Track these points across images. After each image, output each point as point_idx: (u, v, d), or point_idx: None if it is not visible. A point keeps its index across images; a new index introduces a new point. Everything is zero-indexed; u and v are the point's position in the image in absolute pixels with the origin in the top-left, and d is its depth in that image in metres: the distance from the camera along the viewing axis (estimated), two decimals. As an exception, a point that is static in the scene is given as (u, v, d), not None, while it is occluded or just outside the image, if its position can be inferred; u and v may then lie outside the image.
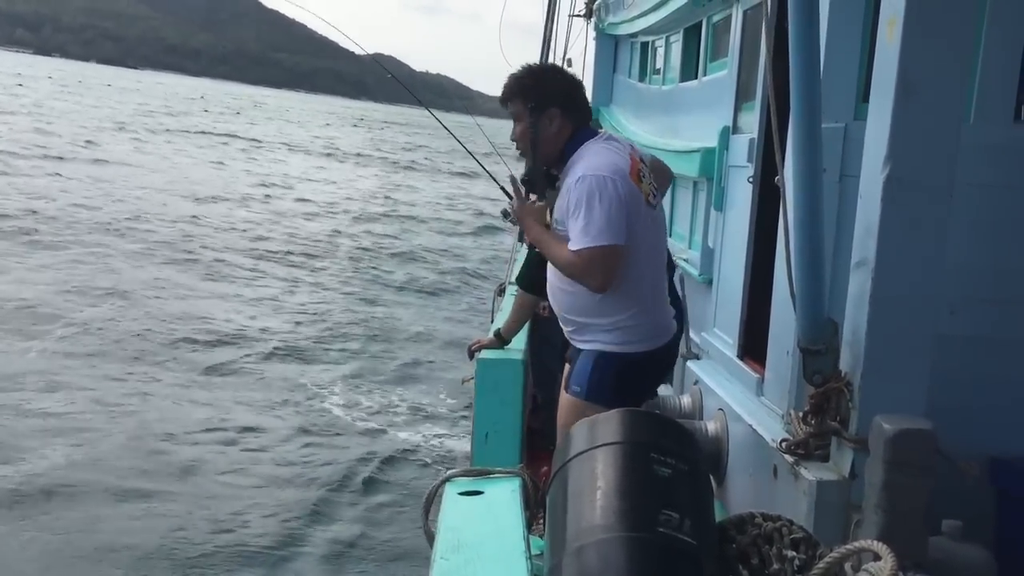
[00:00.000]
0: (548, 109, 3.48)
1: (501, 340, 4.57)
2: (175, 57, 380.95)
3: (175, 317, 13.01)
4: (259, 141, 48.66)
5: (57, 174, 25.32)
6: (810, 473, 2.90)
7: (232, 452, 8.42)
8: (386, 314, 15.72)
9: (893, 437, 2.55)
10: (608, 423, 2.12)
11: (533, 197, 3.64)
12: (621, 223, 3.26)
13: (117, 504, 7.03)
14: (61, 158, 28.65)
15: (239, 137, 49.52)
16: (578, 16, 10.65)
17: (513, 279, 5.60)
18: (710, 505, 2.13)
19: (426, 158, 51.90)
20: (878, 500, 2.60)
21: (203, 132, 49.26)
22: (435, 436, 9.58)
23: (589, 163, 3.35)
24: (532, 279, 4.45)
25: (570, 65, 9.89)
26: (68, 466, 7.62)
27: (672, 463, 1.96)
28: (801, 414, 3.09)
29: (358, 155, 49.47)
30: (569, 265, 3.32)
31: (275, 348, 12.53)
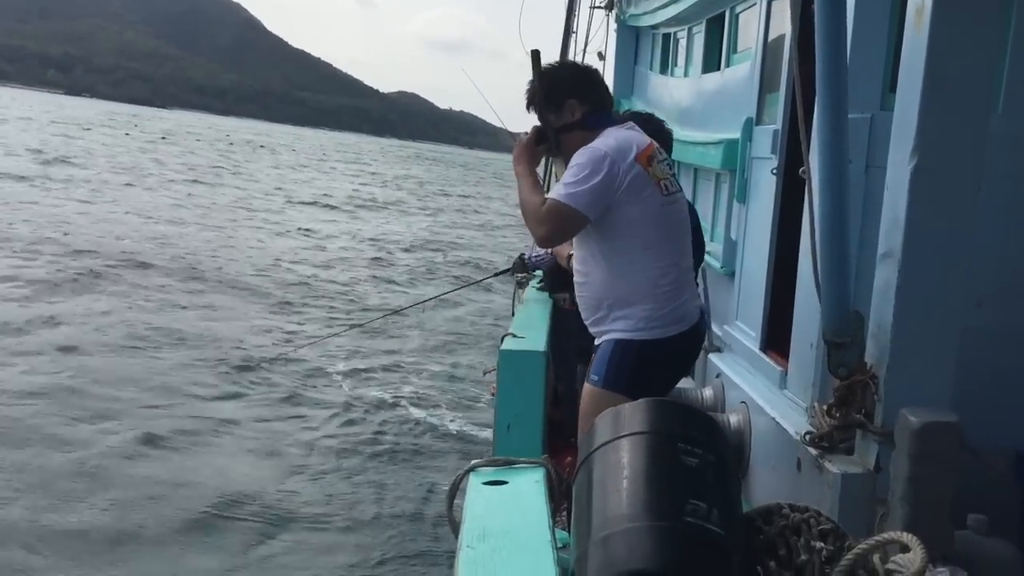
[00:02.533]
0: (566, 102, 3.56)
1: None
2: (202, 96, 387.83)
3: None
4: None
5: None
6: (835, 466, 2.89)
7: (246, 441, 8.47)
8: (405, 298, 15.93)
9: (919, 430, 2.54)
10: (634, 412, 2.10)
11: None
12: (598, 200, 3.33)
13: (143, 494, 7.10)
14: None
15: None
16: (599, 8, 10.59)
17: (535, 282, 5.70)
18: (737, 495, 2.12)
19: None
20: (903, 493, 2.59)
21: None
22: (455, 424, 9.61)
23: (599, 141, 3.43)
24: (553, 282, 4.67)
25: (601, 59, 9.84)
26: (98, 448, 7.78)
27: (699, 453, 1.95)
28: (825, 407, 3.07)
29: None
30: (532, 207, 3.44)
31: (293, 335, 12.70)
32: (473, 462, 2.33)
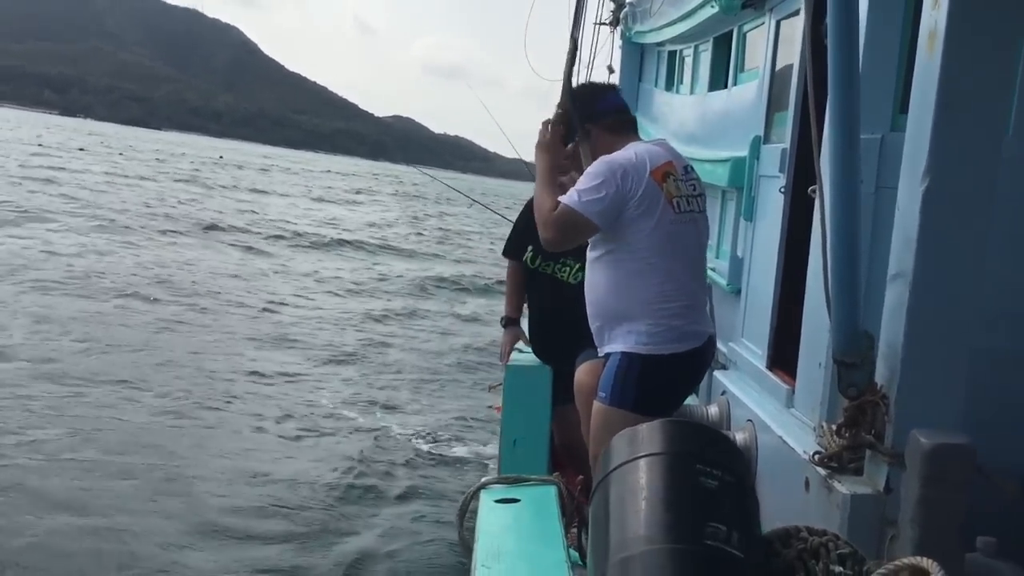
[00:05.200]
0: (586, 129, 3.72)
1: (514, 323, 4.93)
2: (197, 118, 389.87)
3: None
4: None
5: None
6: (844, 487, 2.87)
7: (245, 461, 8.36)
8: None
9: (930, 452, 2.53)
10: (652, 433, 2.09)
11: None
12: (608, 209, 3.39)
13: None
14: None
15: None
16: (603, 24, 10.58)
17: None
18: (756, 518, 2.11)
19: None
20: (914, 515, 2.57)
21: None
22: (460, 440, 9.55)
23: (619, 153, 3.52)
24: (517, 245, 4.85)
25: (611, 72, 9.84)
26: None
27: (718, 475, 1.94)
28: (835, 427, 3.06)
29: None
30: (544, 209, 3.50)
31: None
32: (483, 479, 2.33)
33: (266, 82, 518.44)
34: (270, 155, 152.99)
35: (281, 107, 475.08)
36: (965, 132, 2.68)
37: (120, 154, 69.17)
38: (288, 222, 32.47)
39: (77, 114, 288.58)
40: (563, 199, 3.44)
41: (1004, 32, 2.70)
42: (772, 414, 3.93)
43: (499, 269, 24.39)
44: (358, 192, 60.27)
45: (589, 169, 3.49)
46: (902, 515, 2.64)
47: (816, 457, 3.08)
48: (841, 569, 1.98)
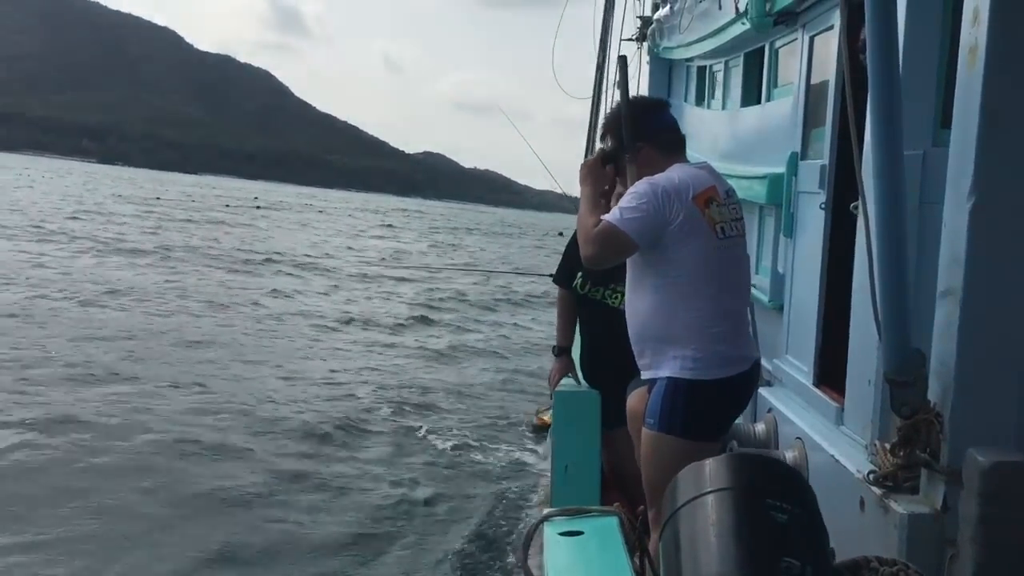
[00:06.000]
0: (637, 147, 3.66)
1: (565, 352, 4.88)
2: (231, 161, 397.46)
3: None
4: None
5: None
6: (901, 506, 2.85)
7: (296, 480, 8.43)
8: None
9: (988, 469, 2.51)
10: (718, 468, 2.09)
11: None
12: (647, 229, 3.39)
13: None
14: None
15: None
16: (630, 40, 10.61)
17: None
18: (827, 550, 2.10)
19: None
20: (973, 534, 2.56)
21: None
22: (509, 457, 9.61)
23: (662, 175, 3.50)
24: (566, 272, 4.83)
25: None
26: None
27: (788, 508, 1.94)
28: (888, 446, 3.03)
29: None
30: (586, 226, 3.51)
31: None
32: (546, 511, 2.35)
33: (297, 123, 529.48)
34: (302, 194, 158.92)
35: (313, 147, 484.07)
36: (1011, 147, 2.66)
37: (157, 198, 70.87)
38: (313, 255, 33.78)
39: (115, 161, 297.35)
40: (605, 217, 3.46)
41: None
42: (822, 432, 3.90)
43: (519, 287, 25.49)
44: (389, 226, 61.95)
45: (632, 188, 3.49)
46: (961, 534, 2.62)
47: (872, 477, 3.05)
48: (913, 599, 1.97)
